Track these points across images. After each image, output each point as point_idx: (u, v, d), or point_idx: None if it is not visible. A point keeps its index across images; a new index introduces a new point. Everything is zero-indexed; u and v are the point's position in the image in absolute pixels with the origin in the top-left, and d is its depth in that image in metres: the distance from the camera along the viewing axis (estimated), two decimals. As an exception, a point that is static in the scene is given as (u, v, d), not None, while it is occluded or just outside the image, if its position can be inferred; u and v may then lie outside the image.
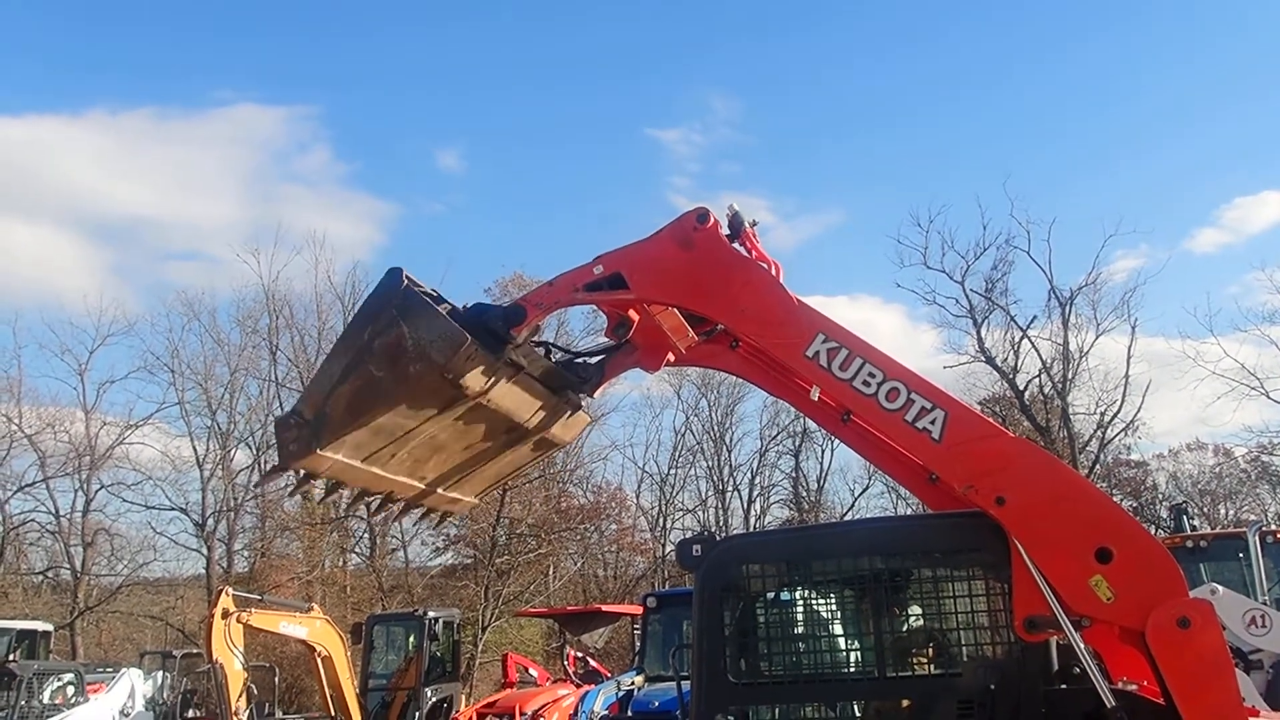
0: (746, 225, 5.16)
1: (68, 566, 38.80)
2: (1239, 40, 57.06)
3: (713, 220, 5.04)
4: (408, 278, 4.82)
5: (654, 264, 5.07)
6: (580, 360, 5.70)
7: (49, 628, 27.51)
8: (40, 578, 40.02)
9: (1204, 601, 4.38)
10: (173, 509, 39.38)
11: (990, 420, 5.26)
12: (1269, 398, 32.63)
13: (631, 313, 5.39)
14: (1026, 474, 4.54)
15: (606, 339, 5.61)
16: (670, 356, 5.52)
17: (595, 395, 6.34)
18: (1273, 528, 15.50)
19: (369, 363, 4.72)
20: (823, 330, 4.88)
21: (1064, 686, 4.41)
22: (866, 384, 4.77)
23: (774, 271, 5.15)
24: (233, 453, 40.76)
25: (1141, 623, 4.21)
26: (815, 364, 4.86)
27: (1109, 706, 4.19)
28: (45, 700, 19.88)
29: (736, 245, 5.12)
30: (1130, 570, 4.28)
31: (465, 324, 4.88)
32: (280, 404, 41.23)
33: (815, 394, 4.99)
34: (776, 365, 5.20)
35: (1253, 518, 35.74)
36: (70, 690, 20.38)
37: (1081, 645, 4.29)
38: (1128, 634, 4.35)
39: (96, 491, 38.76)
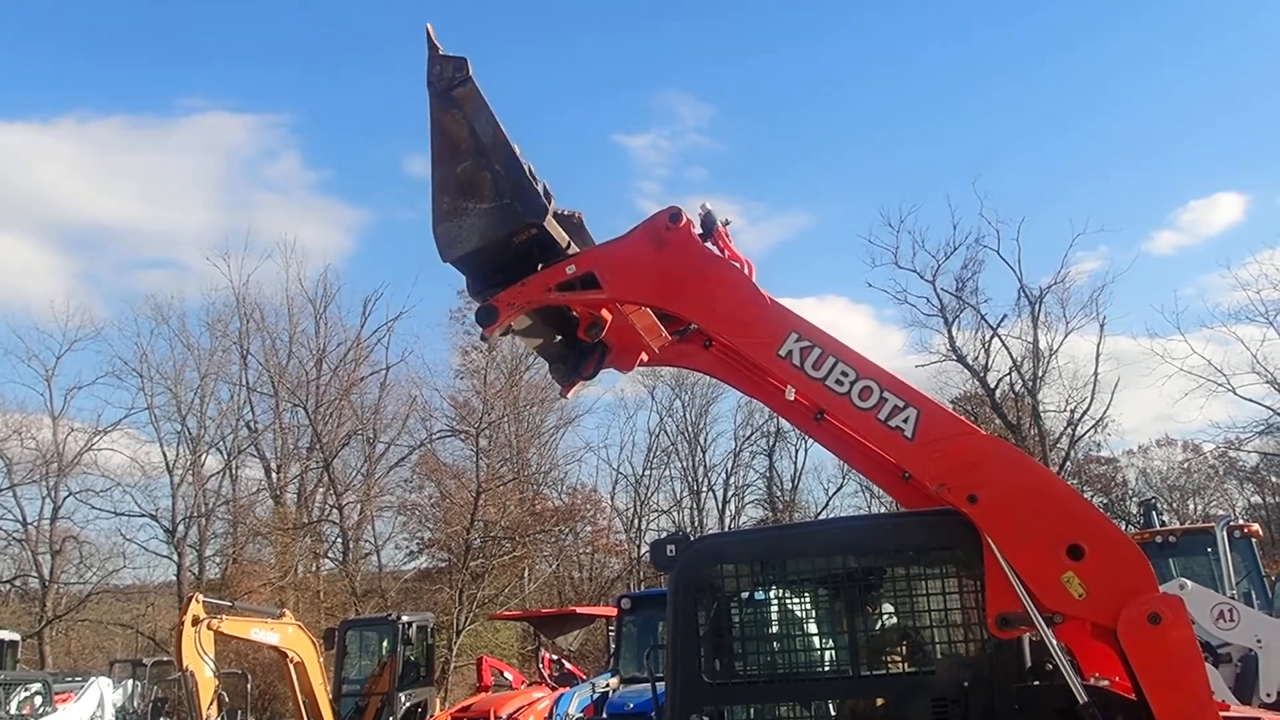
0: (719, 225, 5.14)
1: (35, 575, 38.28)
2: (1195, 57, 58.45)
3: (685, 219, 5.00)
4: (550, 205, 5.10)
5: (627, 264, 5.04)
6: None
7: (16, 637, 27.18)
8: (7, 586, 39.48)
9: (1174, 597, 4.39)
10: (142, 515, 39.09)
11: (962, 418, 5.26)
12: (1235, 394, 33.03)
13: (604, 312, 5.37)
14: (998, 471, 4.54)
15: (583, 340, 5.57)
16: (644, 356, 5.51)
17: (569, 396, 6.29)
18: (1240, 522, 15.70)
19: (466, 151, 5.09)
20: (795, 329, 4.86)
21: (1037, 683, 4.42)
22: (839, 383, 4.76)
23: (746, 271, 5.14)
24: (203, 458, 40.50)
25: (1113, 619, 4.22)
26: (788, 363, 4.84)
27: (1081, 702, 4.20)
28: (13, 710, 19.59)
29: (709, 244, 5.10)
30: (1101, 567, 4.30)
31: (487, 271, 5.16)
32: (251, 408, 41.01)
33: (791, 394, 4.98)
34: (750, 364, 5.18)
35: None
36: (38, 700, 20.08)
37: (1054, 642, 4.30)
38: (1099, 630, 4.37)
39: (65, 499, 38.38)
